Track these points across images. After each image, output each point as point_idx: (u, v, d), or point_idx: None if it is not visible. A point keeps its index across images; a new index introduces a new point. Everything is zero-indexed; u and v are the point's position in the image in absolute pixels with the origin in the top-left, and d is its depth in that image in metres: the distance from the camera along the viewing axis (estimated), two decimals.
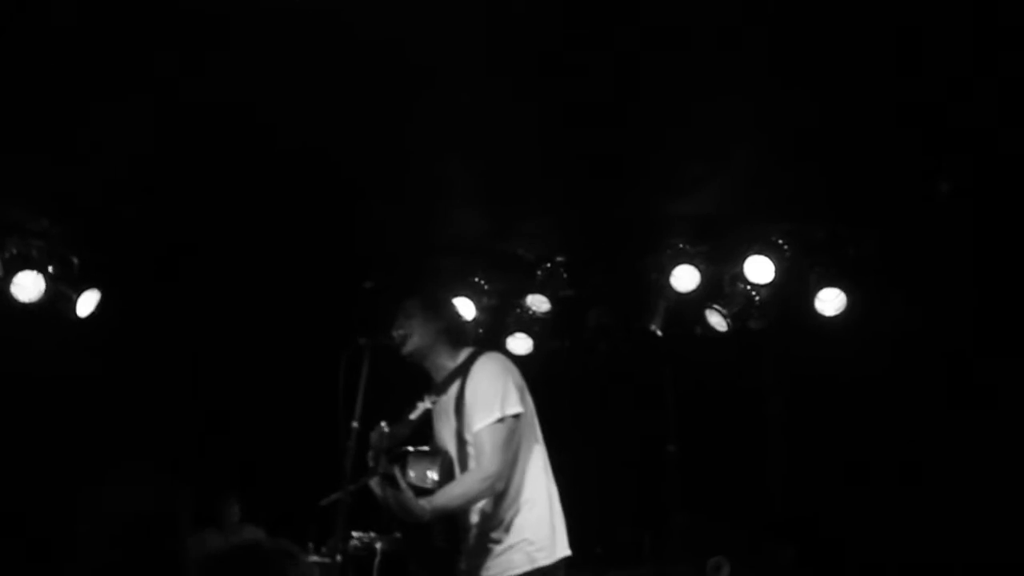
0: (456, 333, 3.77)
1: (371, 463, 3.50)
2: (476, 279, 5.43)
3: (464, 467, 3.55)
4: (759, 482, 6.07)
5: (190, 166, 4.70)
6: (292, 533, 4.41)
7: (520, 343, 5.65)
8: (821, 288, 5.37)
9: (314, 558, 4.51)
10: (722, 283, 5.56)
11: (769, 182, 4.96)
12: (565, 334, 5.74)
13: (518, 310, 5.61)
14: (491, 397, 3.50)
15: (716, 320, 5.56)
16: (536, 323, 5.64)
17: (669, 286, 5.50)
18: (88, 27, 3.76)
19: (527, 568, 3.49)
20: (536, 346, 5.65)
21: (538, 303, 5.62)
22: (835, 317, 5.36)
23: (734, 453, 5.88)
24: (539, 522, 3.56)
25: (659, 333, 5.65)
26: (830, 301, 5.37)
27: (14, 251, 5.23)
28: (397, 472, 3.41)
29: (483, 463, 3.45)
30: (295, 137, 4.41)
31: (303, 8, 3.56)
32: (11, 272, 5.17)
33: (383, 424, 3.51)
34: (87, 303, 5.37)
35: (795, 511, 5.88)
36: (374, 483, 3.48)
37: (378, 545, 4.37)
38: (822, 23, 3.76)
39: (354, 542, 4.24)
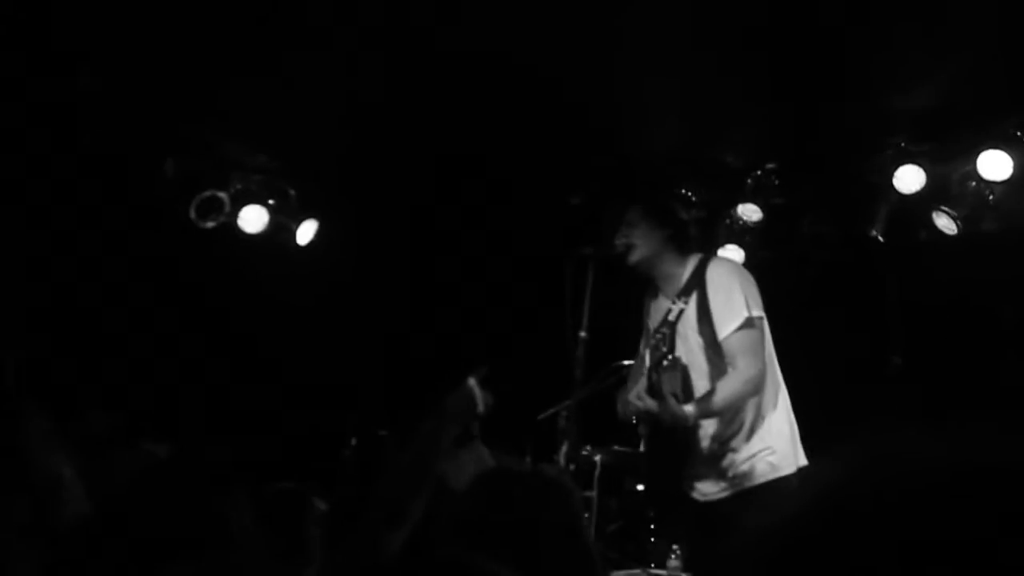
0: (682, 240, 3.69)
1: (645, 371, 3.49)
2: (683, 190, 5.27)
3: (713, 376, 3.50)
4: (988, 397, 5.69)
5: (395, 101, 4.77)
6: (512, 447, 4.49)
7: (732, 255, 5.47)
8: None
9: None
10: (950, 183, 5.17)
11: (1002, 69, 4.54)
12: (778, 244, 5.51)
13: (728, 220, 5.43)
14: (736, 301, 3.44)
15: (944, 223, 5.19)
16: (747, 233, 5.44)
17: (891, 188, 5.16)
18: None
19: (770, 477, 3.44)
20: (748, 257, 5.46)
21: (749, 212, 5.42)
22: None
23: (965, 367, 5.52)
24: (780, 431, 3.49)
25: (880, 239, 5.33)
26: None
27: (239, 186, 5.50)
28: (656, 379, 3.40)
29: (740, 366, 3.40)
30: (515, 61, 4.38)
31: None
32: (238, 207, 5.45)
33: (660, 326, 3.49)
34: (306, 232, 5.61)
35: None
36: (635, 394, 3.48)
37: (597, 458, 4.39)
38: None
39: (578, 453, 4.28)
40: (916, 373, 5.30)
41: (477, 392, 2.30)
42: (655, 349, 3.46)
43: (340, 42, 4.40)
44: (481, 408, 2.32)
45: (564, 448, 3.59)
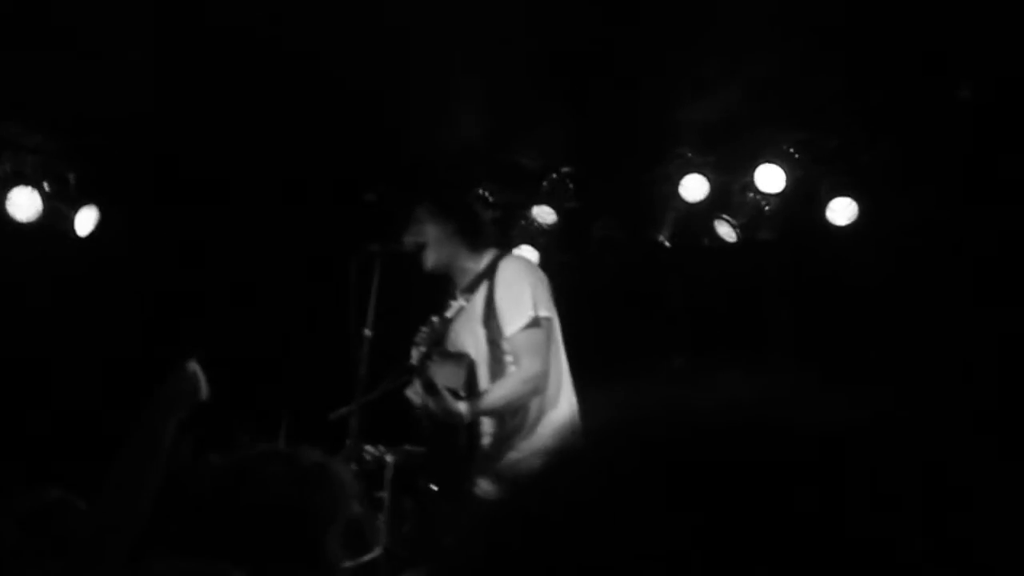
0: (472, 233, 3.69)
1: (414, 362, 3.46)
2: (480, 190, 5.31)
3: (496, 371, 3.51)
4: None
5: (190, 83, 4.57)
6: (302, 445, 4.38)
7: (526, 255, 5.56)
8: (832, 197, 5.28)
9: None
10: (731, 193, 5.46)
11: (781, 89, 4.84)
12: (571, 246, 5.65)
13: (523, 222, 5.51)
14: (524, 299, 3.47)
15: (725, 231, 5.47)
16: (542, 235, 5.54)
17: (677, 196, 5.40)
18: None
19: None
20: (542, 258, 5.57)
21: (544, 214, 5.53)
22: (846, 227, 5.28)
23: (737, 366, 5.83)
24: (561, 426, 3.55)
25: (667, 244, 5.57)
26: (841, 211, 5.29)
27: (8, 168, 5.11)
28: (431, 375, 3.38)
29: (524, 365, 3.42)
30: (296, 49, 4.28)
31: None
32: (6, 189, 5.06)
33: (434, 319, 3.47)
34: (86, 221, 5.28)
35: None
36: (411, 391, 3.45)
37: (388, 458, 4.35)
38: None
39: (364, 455, 4.23)
40: (697, 372, 5.55)
41: (199, 376, 2.21)
42: (417, 345, 3.46)
43: (118, 14, 4.16)
44: (204, 394, 2.24)
45: (347, 446, 3.53)
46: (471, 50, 4.50)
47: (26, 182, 5.12)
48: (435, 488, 4.25)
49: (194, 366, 2.21)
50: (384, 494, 4.12)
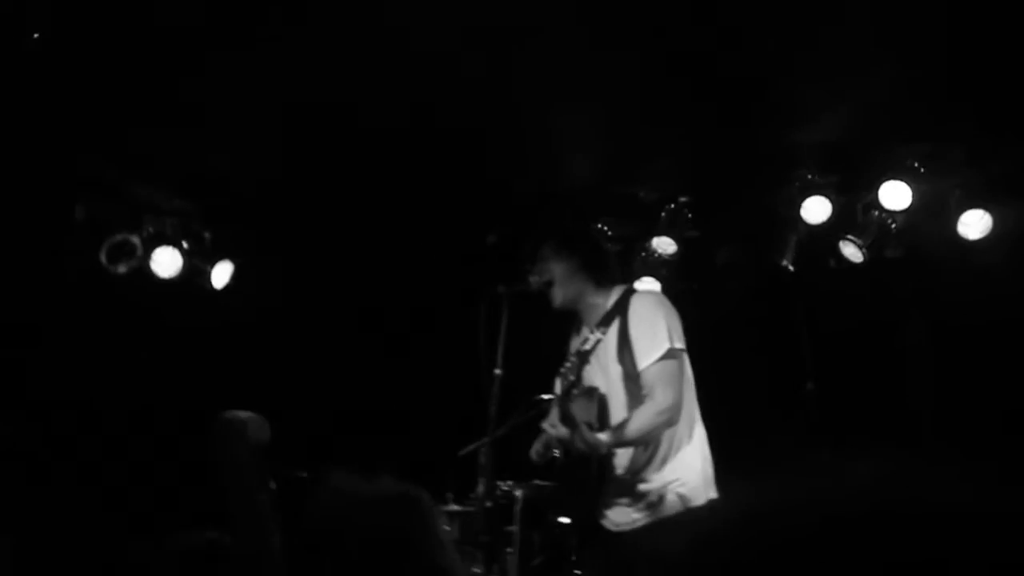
0: (597, 268, 3.72)
1: (558, 391, 3.51)
2: (599, 224, 5.34)
3: (631, 405, 3.52)
4: (905, 420, 5.85)
5: (313, 149, 4.78)
6: (432, 483, 4.46)
7: (647, 287, 5.56)
8: (963, 211, 5.11)
9: (454, 507, 4.57)
10: (855, 212, 5.34)
11: (900, 103, 4.73)
12: (693, 275, 5.61)
13: (644, 254, 5.51)
14: (659, 332, 3.48)
15: (851, 251, 5.35)
16: (663, 266, 5.53)
17: (799, 219, 5.31)
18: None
19: (680, 509, 3.46)
20: (664, 289, 5.55)
21: (664, 245, 5.52)
22: (980, 241, 5.10)
23: (875, 390, 5.67)
24: (692, 464, 3.53)
25: (791, 268, 5.48)
26: (974, 224, 5.11)
27: (151, 230, 5.41)
28: (569, 408, 3.41)
29: (657, 397, 3.43)
30: (411, 100, 4.42)
31: None
32: (149, 249, 5.35)
33: (577, 350, 3.51)
34: (221, 275, 5.54)
35: (941, 451, 5.63)
36: (548, 424, 3.49)
37: (518, 492, 4.39)
38: None
39: (495, 491, 4.28)
40: (829, 398, 5.43)
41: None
42: (563, 377, 3.49)
43: (250, 82, 4.39)
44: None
45: (481, 484, 3.58)
46: (584, 85, 4.55)
47: (167, 242, 5.41)
48: (565, 521, 4.27)
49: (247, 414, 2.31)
50: (514, 528, 4.16)
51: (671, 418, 3.44)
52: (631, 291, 3.62)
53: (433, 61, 4.19)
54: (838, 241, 5.37)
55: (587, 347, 3.59)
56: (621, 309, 3.58)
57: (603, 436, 3.38)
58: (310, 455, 5.14)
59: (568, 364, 3.50)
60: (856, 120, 4.84)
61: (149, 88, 4.42)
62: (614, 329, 3.58)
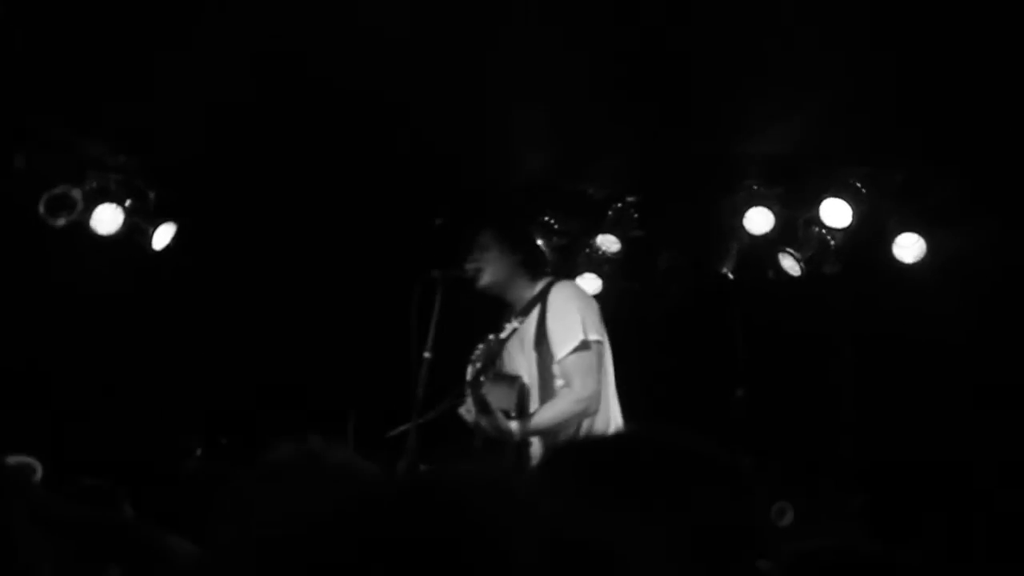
0: (533, 264, 3.77)
1: (468, 383, 3.54)
2: (546, 218, 5.38)
3: (546, 394, 3.57)
4: (828, 429, 5.98)
5: (260, 112, 4.75)
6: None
7: (589, 283, 5.60)
8: (899, 233, 5.23)
9: None
10: (796, 227, 5.44)
11: (847, 123, 4.83)
12: (635, 275, 5.68)
13: (587, 250, 5.56)
14: (573, 323, 3.53)
15: (789, 264, 5.45)
16: (606, 263, 5.59)
17: (742, 228, 5.40)
18: None
19: None
20: (605, 287, 5.61)
21: (608, 243, 5.58)
22: (914, 264, 5.23)
23: (803, 399, 5.80)
24: None
25: (731, 276, 5.57)
26: (908, 247, 5.24)
27: (94, 185, 5.33)
28: (484, 395, 3.45)
29: (575, 386, 3.48)
30: (364, 83, 4.42)
31: None
32: (91, 205, 5.27)
33: (481, 346, 3.55)
34: (163, 236, 5.47)
35: (865, 460, 5.79)
36: (464, 409, 3.53)
37: None
38: None
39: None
40: (757, 404, 5.53)
41: None
42: (473, 364, 3.53)
43: (204, 44, 4.35)
44: None
45: (403, 463, 3.61)
46: (538, 79, 4.58)
47: (110, 199, 5.33)
48: None
49: None
50: None
51: (587, 408, 3.50)
52: (552, 283, 3.67)
53: (388, 40, 4.20)
54: (778, 253, 5.47)
55: (503, 335, 3.63)
56: (541, 299, 3.63)
57: (514, 424, 3.42)
58: (234, 426, 5.17)
59: (479, 351, 3.53)
60: (803, 134, 4.94)
61: (103, 45, 4.37)
62: (533, 318, 3.63)
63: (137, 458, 4.80)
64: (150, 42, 4.40)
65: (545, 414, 3.47)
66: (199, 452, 4.88)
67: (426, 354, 3.46)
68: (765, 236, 5.42)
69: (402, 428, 4.16)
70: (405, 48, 4.25)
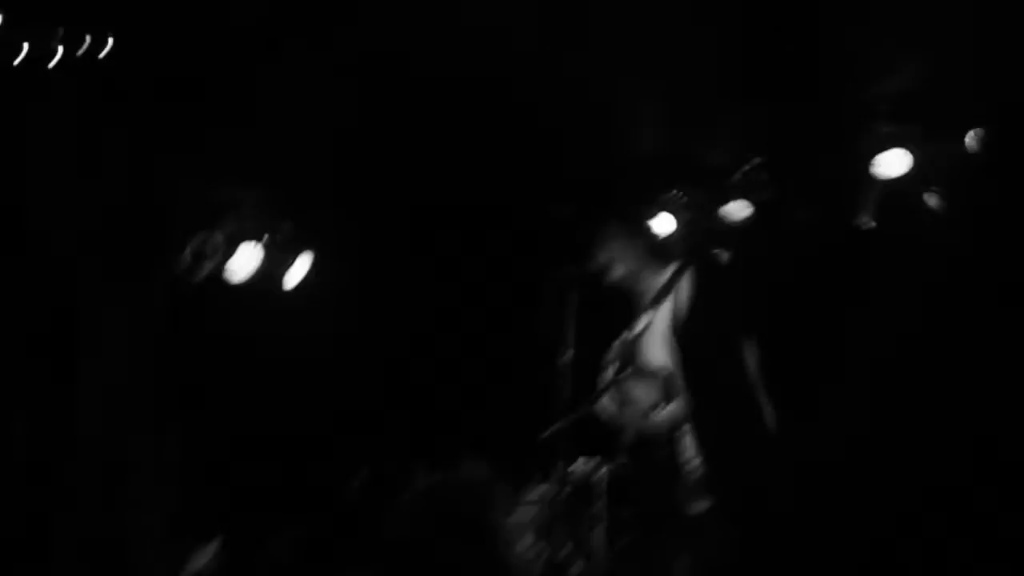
0: (661, 251, 3.70)
1: (609, 375, 3.52)
2: (672, 192, 5.29)
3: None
4: None
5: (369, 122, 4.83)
6: (516, 467, 4.50)
7: (723, 255, 5.48)
8: None
9: (540, 488, 4.58)
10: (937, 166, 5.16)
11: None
12: (769, 239, 5.51)
13: (718, 219, 5.44)
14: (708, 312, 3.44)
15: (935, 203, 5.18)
16: (737, 231, 5.45)
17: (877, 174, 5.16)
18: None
19: None
20: (739, 254, 5.46)
21: (738, 210, 5.43)
22: None
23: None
24: None
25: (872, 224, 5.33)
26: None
27: (231, 228, 5.52)
28: (624, 390, 3.42)
29: None
30: (475, 72, 4.42)
31: None
32: (232, 246, 5.46)
33: (624, 335, 3.52)
34: (300, 268, 5.62)
35: None
36: (605, 401, 3.50)
37: (605, 469, 4.39)
38: None
39: (581, 467, 4.28)
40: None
41: None
42: (612, 361, 3.48)
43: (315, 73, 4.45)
44: None
45: (559, 466, 3.60)
46: (649, 51, 4.49)
47: (247, 237, 5.50)
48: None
49: None
50: (601, 505, 4.16)
51: None
52: (683, 266, 3.58)
53: (490, 35, 4.19)
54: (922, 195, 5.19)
55: (637, 331, 3.57)
56: (672, 285, 3.55)
57: (660, 416, 3.37)
58: (388, 451, 5.27)
59: (614, 349, 3.48)
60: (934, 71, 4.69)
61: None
62: (666, 307, 3.56)
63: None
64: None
65: (679, 407, 3.41)
66: (360, 478, 5.00)
67: (569, 351, 3.44)
68: (904, 177, 5.15)
69: (554, 427, 4.16)
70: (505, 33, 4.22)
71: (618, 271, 3.63)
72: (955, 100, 5.00)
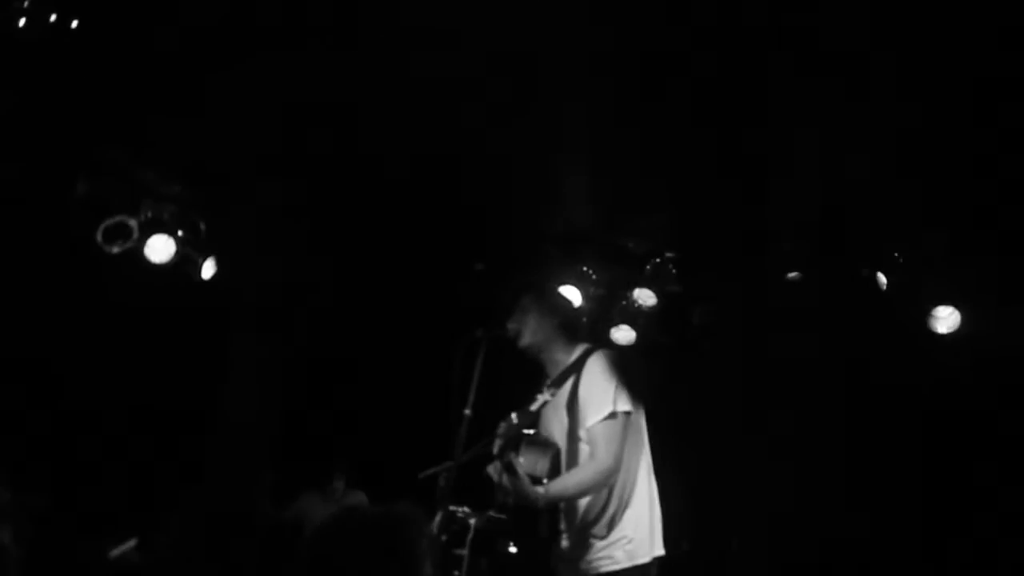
0: (571, 329, 3.85)
1: (496, 451, 3.62)
2: (585, 268, 5.48)
3: (573, 462, 3.63)
4: None
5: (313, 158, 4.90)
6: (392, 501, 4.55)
7: (624, 335, 5.70)
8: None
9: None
10: None
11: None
12: (670, 329, 5.76)
13: (624, 302, 5.65)
14: (605, 394, 3.59)
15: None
16: (641, 316, 5.67)
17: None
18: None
19: (626, 564, 3.58)
20: (639, 339, 5.69)
21: (644, 297, 5.66)
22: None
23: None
24: (639, 520, 3.64)
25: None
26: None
27: (149, 214, 5.49)
28: (513, 458, 3.52)
29: (599, 456, 3.54)
30: (406, 135, 4.54)
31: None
32: (146, 235, 5.43)
33: (513, 415, 3.62)
34: (211, 267, 5.62)
35: None
36: (492, 468, 3.60)
37: (472, 521, 4.49)
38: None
39: (453, 515, 4.37)
40: None
41: None
42: (509, 428, 3.60)
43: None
44: None
45: (437, 506, 3.67)
46: (582, 136, 4.67)
47: (163, 229, 5.49)
48: (512, 551, 4.37)
49: None
50: (464, 552, 4.25)
51: (608, 477, 3.55)
52: (590, 351, 3.73)
53: (436, 91, 4.32)
54: None
55: (534, 407, 3.70)
56: (578, 367, 3.70)
57: (540, 490, 3.49)
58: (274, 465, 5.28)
59: (504, 425, 3.61)
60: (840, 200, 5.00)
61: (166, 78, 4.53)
62: (567, 387, 3.70)
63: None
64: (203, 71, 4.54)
65: (565, 481, 3.54)
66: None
67: (466, 412, 3.54)
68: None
69: (433, 470, 4.24)
70: (444, 103, 4.36)
71: (527, 339, 3.75)
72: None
